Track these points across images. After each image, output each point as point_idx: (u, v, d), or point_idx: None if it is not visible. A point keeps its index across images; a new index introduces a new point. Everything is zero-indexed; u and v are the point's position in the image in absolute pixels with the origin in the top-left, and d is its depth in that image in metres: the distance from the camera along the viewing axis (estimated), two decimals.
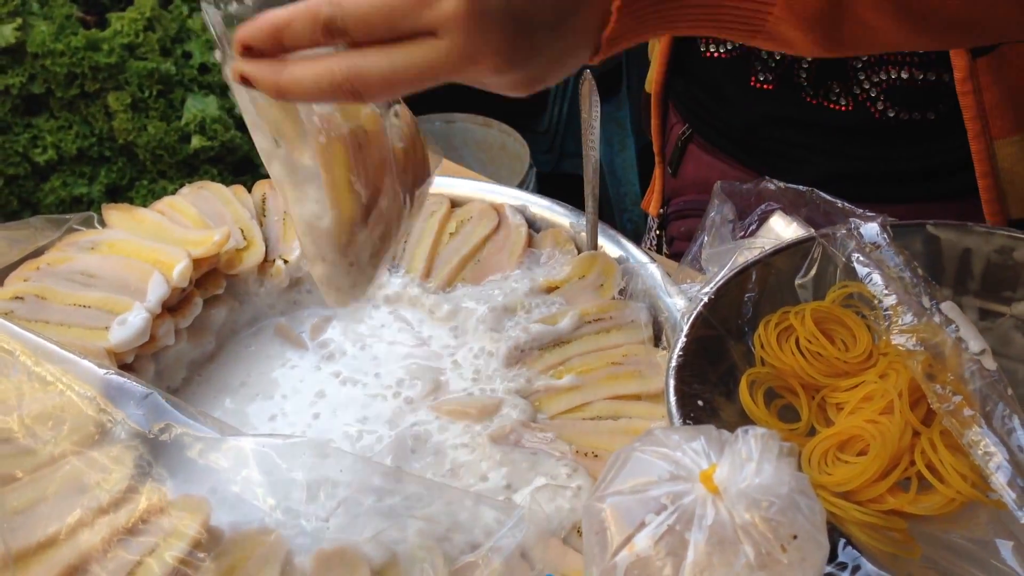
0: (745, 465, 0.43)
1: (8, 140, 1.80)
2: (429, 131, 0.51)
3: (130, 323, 0.74)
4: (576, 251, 0.88)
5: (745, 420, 0.64)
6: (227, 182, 0.94)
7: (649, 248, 1.07)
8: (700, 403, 0.63)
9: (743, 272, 0.70)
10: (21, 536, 0.57)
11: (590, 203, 0.84)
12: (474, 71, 0.45)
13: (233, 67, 0.47)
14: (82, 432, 0.59)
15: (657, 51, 0.98)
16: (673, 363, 0.65)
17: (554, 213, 0.91)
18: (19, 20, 1.75)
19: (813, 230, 0.76)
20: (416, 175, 0.58)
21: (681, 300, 0.79)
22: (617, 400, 0.75)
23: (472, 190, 0.94)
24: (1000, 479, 0.54)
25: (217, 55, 0.49)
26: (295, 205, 0.54)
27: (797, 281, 0.71)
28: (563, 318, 0.80)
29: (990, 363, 0.60)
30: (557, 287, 0.84)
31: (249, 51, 0.46)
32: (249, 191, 0.92)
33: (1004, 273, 0.70)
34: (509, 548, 0.59)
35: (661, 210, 1.05)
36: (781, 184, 0.84)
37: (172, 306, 0.78)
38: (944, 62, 0.78)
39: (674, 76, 0.98)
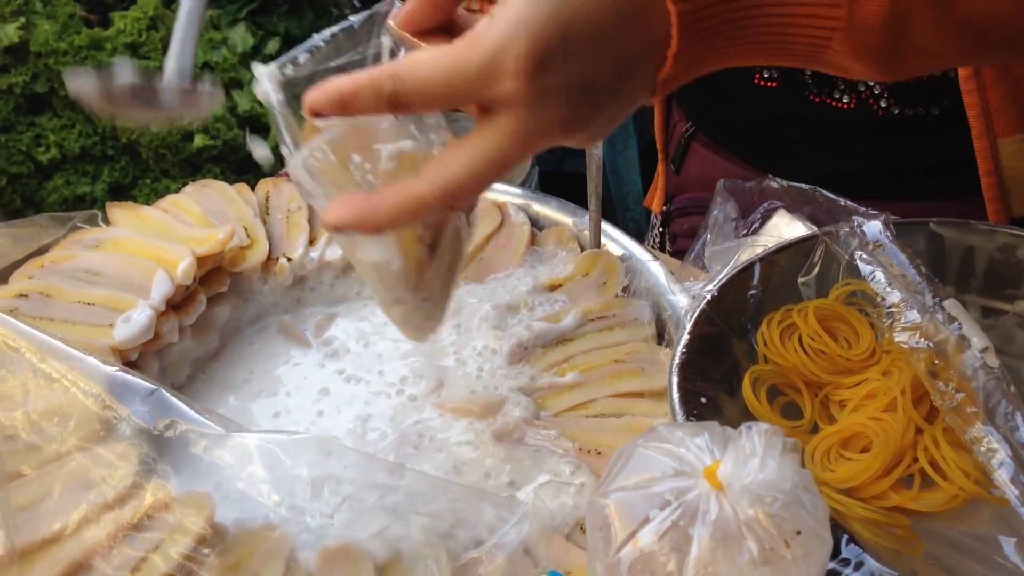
0: (749, 461, 0.43)
1: (11, 139, 1.81)
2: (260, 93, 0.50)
3: (134, 320, 0.74)
4: (579, 249, 0.88)
5: (748, 417, 0.64)
6: (230, 181, 0.94)
7: (652, 245, 1.07)
8: (703, 400, 0.63)
9: (746, 270, 0.70)
10: (26, 532, 0.57)
11: (593, 201, 0.84)
12: (543, 142, 0.47)
13: (325, 221, 0.48)
14: (87, 428, 0.59)
15: None
16: (676, 360, 0.65)
17: (557, 211, 0.91)
18: (22, 19, 1.75)
19: (816, 228, 0.76)
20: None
21: (684, 298, 0.79)
22: (620, 398, 0.75)
23: None
24: (1003, 476, 0.54)
25: (284, 151, 0.50)
26: (362, 255, 0.55)
27: (800, 279, 0.71)
28: (566, 316, 0.80)
29: (993, 360, 0.60)
30: (560, 285, 0.84)
31: (318, 115, 0.47)
32: (252, 189, 0.92)
33: (1007, 271, 0.70)
34: (513, 544, 0.59)
35: (664, 207, 1.05)
36: (784, 182, 0.84)
37: (176, 304, 0.79)
38: None
39: None
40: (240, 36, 1.93)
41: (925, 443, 0.60)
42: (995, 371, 0.59)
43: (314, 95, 0.46)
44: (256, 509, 0.59)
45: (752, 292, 0.70)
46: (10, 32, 1.74)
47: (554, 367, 0.78)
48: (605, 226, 0.87)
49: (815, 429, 0.65)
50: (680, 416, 0.61)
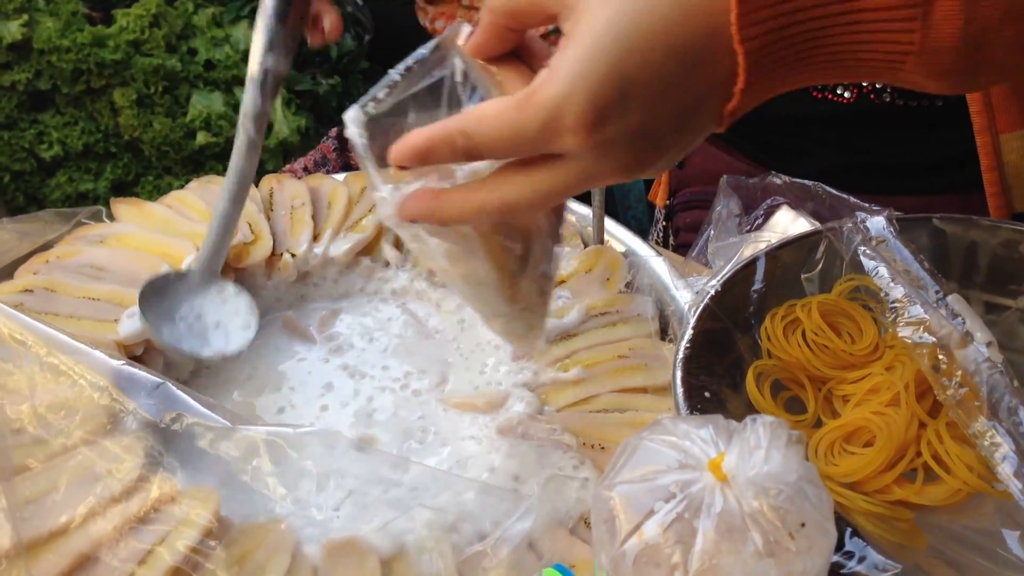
0: (754, 453, 0.43)
1: (14, 136, 1.81)
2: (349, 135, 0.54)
3: (139, 316, 0.74)
4: (582, 245, 0.88)
5: (752, 412, 0.64)
6: None
7: (656, 240, 1.08)
8: (707, 395, 0.63)
9: (750, 265, 0.70)
10: (33, 525, 0.57)
11: (596, 197, 0.84)
12: (605, 182, 0.49)
13: (401, 212, 0.51)
14: (94, 422, 0.60)
15: None
16: (680, 355, 0.65)
17: None
18: (25, 16, 1.76)
19: (819, 224, 0.76)
20: (560, 205, 0.59)
21: (687, 293, 0.79)
22: (623, 393, 0.75)
23: None
24: (1006, 469, 0.55)
25: (369, 185, 0.54)
26: (455, 275, 0.57)
27: (803, 274, 0.71)
28: (569, 312, 0.80)
29: (996, 355, 0.61)
30: (563, 281, 0.84)
31: (403, 169, 0.50)
32: (256, 186, 0.93)
33: (1010, 266, 0.70)
34: (517, 538, 0.59)
35: (668, 201, 1.06)
36: (787, 178, 0.85)
37: None
38: None
39: None
40: (243, 33, 1.94)
41: (928, 437, 0.60)
42: (998, 366, 0.59)
43: (396, 151, 0.49)
44: (262, 502, 0.59)
45: (756, 287, 0.70)
46: (13, 29, 1.74)
47: (557, 362, 0.78)
48: (608, 223, 0.87)
49: (818, 424, 0.65)
50: (684, 410, 0.62)
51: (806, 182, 0.83)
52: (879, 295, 0.65)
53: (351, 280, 0.88)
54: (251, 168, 0.73)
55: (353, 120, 0.51)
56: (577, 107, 0.44)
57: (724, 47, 0.44)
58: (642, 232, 1.03)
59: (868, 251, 0.66)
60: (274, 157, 1.91)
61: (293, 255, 0.85)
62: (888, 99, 0.84)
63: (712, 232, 0.81)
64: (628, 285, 0.83)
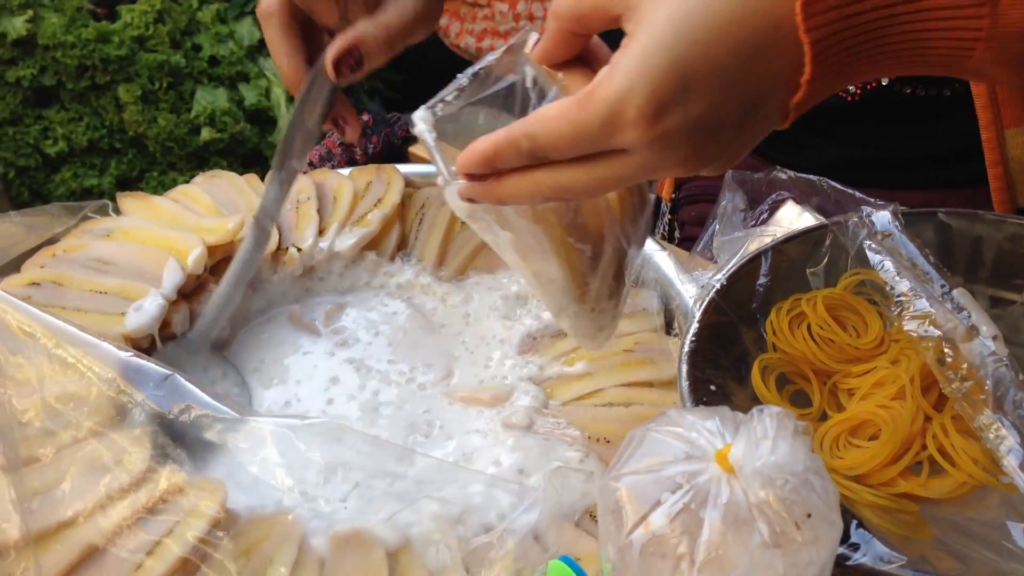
0: (760, 444, 0.43)
1: (19, 132, 1.81)
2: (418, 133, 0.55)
3: (146, 309, 0.75)
4: None
5: (757, 405, 0.64)
6: (236, 173, 0.95)
7: (661, 234, 1.08)
8: (713, 388, 0.63)
9: (755, 259, 0.70)
10: (41, 516, 0.57)
11: None
12: (665, 173, 0.49)
13: (460, 192, 0.53)
14: (102, 414, 0.60)
15: None
16: (686, 348, 0.65)
17: None
18: (30, 12, 1.76)
19: (824, 219, 0.76)
20: (635, 209, 0.59)
21: (692, 288, 0.79)
22: (629, 387, 0.75)
23: None
24: (1012, 462, 0.55)
25: (439, 181, 0.55)
26: (527, 271, 0.58)
27: (809, 269, 0.71)
28: None
29: (1002, 349, 0.61)
30: None
31: (469, 176, 0.51)
32: (262, 180, 0.93)
33: (1015, 261, 0.70)
34: (523, 530, 0.59)
35: (674, 195, 1.06)
36: (792, 173, 0.84)
37: (187, 292, 0.79)
38: None
39: None
40: (247, 30, 1.94)
41: (934, 430, 0.60)
42: (1004, 359, 0.60)
43: (463, 160, 0.50)
44: (269, 494, 0.59)
45: (761, 281, 0.70)
46: (18, 25, 1.74)
47: (563, 356, 0.78)
48: None
49: (824, 417, 0.65)
50: (689, 403, 0.62)
51: (811, 177, 0.83)
52: (884, 289, 0.65)
53: (356, 274, 0.88)
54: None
55: (422, 119, 0.53)
56: (638, 100, 0.44)
57: (788, 39, 0.44)
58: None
59: (874, 245, 0.66)
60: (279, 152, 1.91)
61: (299, 249, 0.85)
62: (895, 87, 0.84)
63: (717, 227, 0.81)
64: (634, 280, 0.84)
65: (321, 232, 0.87)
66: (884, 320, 0.68)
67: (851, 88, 0.85)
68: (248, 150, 1.92)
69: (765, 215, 0.84)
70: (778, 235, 0.72)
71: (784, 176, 0.85)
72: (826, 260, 0.71)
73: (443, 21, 2.02)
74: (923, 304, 0.62)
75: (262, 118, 1.91)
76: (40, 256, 0.80)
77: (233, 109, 1.85)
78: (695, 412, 0.47)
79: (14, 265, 0.80)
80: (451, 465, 0.67)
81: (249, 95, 1.89)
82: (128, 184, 1.88)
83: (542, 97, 0.53)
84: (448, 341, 0.82)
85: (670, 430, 0.47)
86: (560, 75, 0.52)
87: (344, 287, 0.88)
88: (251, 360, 0.82)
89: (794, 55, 0.44)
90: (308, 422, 0.59)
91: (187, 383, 0.59)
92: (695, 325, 0.67)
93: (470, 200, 0.52)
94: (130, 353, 0.61)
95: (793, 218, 0.81)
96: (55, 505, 0.58)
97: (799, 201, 0.83)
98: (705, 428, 0.46)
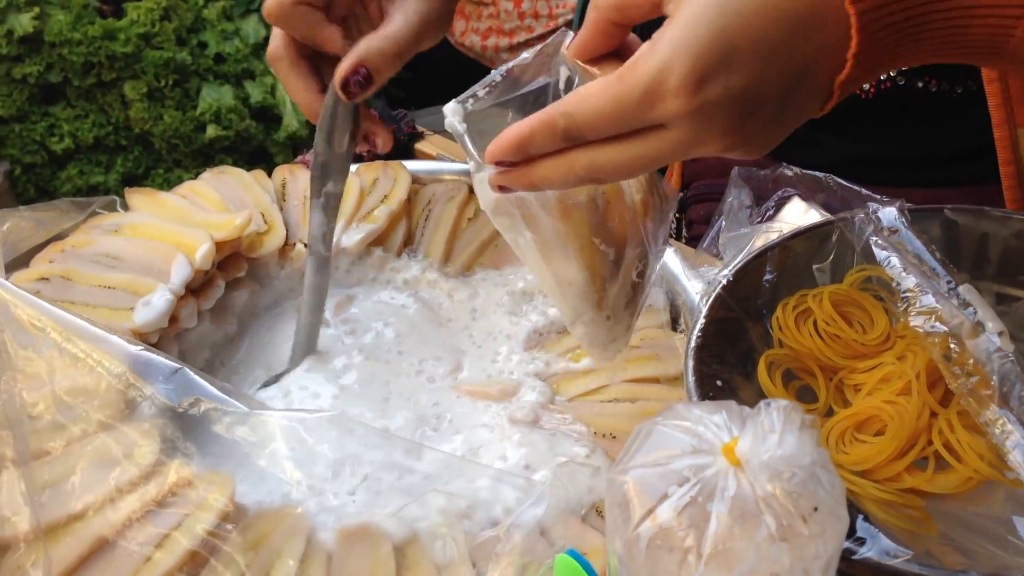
0: (767, 437, 0.43)
1: (25, 128, 1.82)
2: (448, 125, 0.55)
3: (154, 305, 0.75)
4: None
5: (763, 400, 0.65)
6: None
7: (669, 232, 1.08)
8: (719, 383, 0.63)
9: (762, 255, 0.71)
10: (51, 509, 0.58)
11: None
12: (704, 151, 0.48)
13: (490, 181, 0.52)
14: (112, 407, 0.60)
15: None
16: (692, 344, 0.65)
17: None
18: (36, 9, 1.77)
19: (830, 215, 0.76)
20: (657, 217, 0.60)
21: (698, 284, 0.79)
22: (635, 383, 0.76)
23: None
24: (1017, 457, 0.55)
25: (471, 167, 0.55)
26: (547, 273, 0.58)
27: (815, 265, 0.72)
28: None
29: (1007, 345, 0.61)
30: None
31: (500, 164, 0.51)
32: (269, 176, 0.93)
33: (1021, 258, 0.70)
34: (529, 525, 0.59)
35: (681, 193, 1.06)
36: (798, 170, 0.85)
37: (195, 288, 0.79)
38: None
39: None
40: (252, 27, 1.95)
41: (940, 426, 0.60)
42: (1009, 355, 0.60)
43: (493, 147, 0.50)
44: (278, 487, 0.60)
45: (767, 277, 0.70)
46: (24, 22, 1.75)
47: (569, 352, 0.79)
48: None
49: (830, 413, 0.65)
50: (696, 399, 0.62)
51: (817, 174, 0.83)
52: (891, 285, 0.65)
53: (363, 270, 0.88)
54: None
55: (453, 112, 0.53)
56: (681, 69, 0.44)
57: (833, 11, 0.44)
58: None
59: (880, 241, 0.66)
60: (283, 150, 1.92)
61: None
62: (910, 82, 0.84)
63: (723, 223, 0.81)
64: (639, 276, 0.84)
65: None
66: (890, 316, 0.68)
67: (865, 86, 0.85)
68: (253, 147, 1.93)
69: (771, 212, 0.84)
70: (784, 231, 0.73)
71: (790, 173, 0.85)
72: (832, 256, 0.71)
73: None
74: (929, 300, 0.62)
75: (267, 115, 1.92)
76: (49, 251, 0.80)
77: (238, 106, 1.86)
78: (702, 406, 0.47)
79: (23, 260, 0.80)
80: (458, 459, 0.67)
81: (255, 92, 1.90)
82: (134, 181, 1.89)
83: None
84: (456, 335, 0.82)
85: (677, 424, 0.47)
86: (596, 70, 0.52)
87: (351, 282, 0.88)
88: (259, 357, 0.82)
89: (838, 29, 0.44)
90: (317, 415, 0.59)
91: (196, 376, 0.59)
92: (701, 321, 0.67)
93: (501, 188, 0.52)
94: (140, 347, 0.61)
95: (799, 215, 0.81)
96: (65, 498, 0.58)
97: (805, 198, 0.83)
98: (712, 422, 0.46)
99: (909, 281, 0.64)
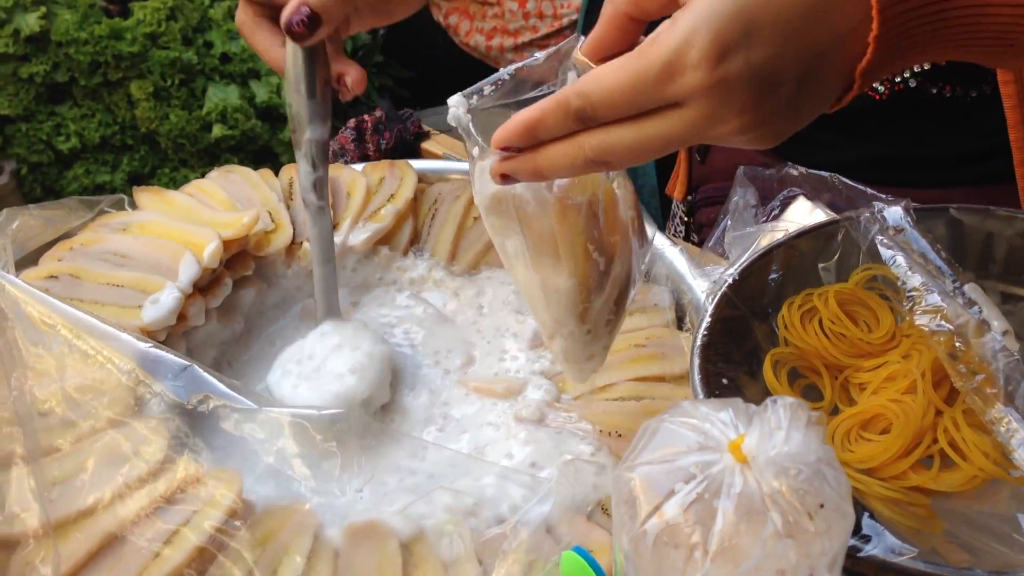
0: (774, 434, 0.44)
1: (32, 128, 1.83)
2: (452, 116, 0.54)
3: (162, 303, 0.75)
4: None
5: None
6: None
7: (673, 233, 1.08)
8: (725, 381, 0.64)
9: (767, 254, 0.71)
10: (61, 506, 0.58)
11: None
12: (719, 132, 0.47)
13: (492, 170, 0.51)
14: (121, 404, 0.60)
15: None
16: (698, 342, 0.65)
17: None
18: (43, 9, 1.77)
19: (836, 215, 0.76)
20: (640, 245, 0.60)
21: (704, 283, 0.79)
22: (640, 381, 0.76)
23: None
24: (1022, 456, 0.55)
25: (474, 152, 0.54)
26: (534, 279, 0.57)
27: (821, 264, 0.72)
28: None
29: (1013, 344, 0.61)
30: None
31: (507, 150, 0.50)
32: (276, 175, 0.93)
33: None
34: (535, 522, 0.60)
35: (689, 197, 1.06)
36: (803, 169, 0.85)
37: (203, 287, 0.80)
38: None
39: None
40: None
41: (945, 424, 0.60)
42: (1015, 354, 0.60)
43: (501, 132, 0.49)
44: (286, 484, 0.60)
45: (773, 276, 0.70)
46: (31, 22, 1.76)
47: None
48: None
49: (835, 411, 0.65)
50: (701, 397, 0.62)
51: (823, 173, 0.83)
52: (896, 284, 0.66)
53: (369, 269, 0.88)
54: (326, 230, 0.77)
55: (457, 104, 0.52)
56: (702, 40, 0.44)
57: None
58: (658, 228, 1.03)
59: (885, 240, 0.67)
60: (289, 150, 1.92)
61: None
62: (924, 87, 0.84)
63: (729, 222, 0.81)
64: (645, 275, 0.84)
65: (334, 227, 0.88)
66: (895, 315, 0.68)
67: (879, 87, 0.85)
68: (259, 147, 1.93)
69: (776, 211, 0.84)
70: (790, 230, 0.73)
71: (795, 172, 0.85)
72: (838, 255, 0.71)
73: (453, 20, 2.03)
74: (935, 299, 0.62)
75: (273, 115, 1.92)
76: (57, 249, 0.81)
77: (244, 106, 1.86)
78: (709, 403, 0.48)
79: (32, 258, 0.80)
80: (465, 457, 0.68)
81: (260, 92, 1.90)
82: (139, 180, 1.90)
83: None
84: (462, 335, 0.83)
85: (684, 421, 0.47)
86: None
87: (357, 282, 0.88)
88: (266, 355, 0.82)
89: (858, 12, 0.45)
90: (325, 412, 0.59)
91: (205, 373, 0.60)
92: (707, 319, 0.67)
93: (503, 178, 0.51)
94: (149, 344, 0.62)
95: (805, 214, 0.82)
96: (74, 494, 0.58)
97: (810, 197, 0.83)
98: (719, 419, 0.46)
99: (915, 280, 0.64)
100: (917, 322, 0.62)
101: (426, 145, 1.06)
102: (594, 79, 0.46)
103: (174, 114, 1.85)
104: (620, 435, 0.71)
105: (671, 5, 0.48)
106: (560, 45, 0.53)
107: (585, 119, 0.47)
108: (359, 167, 0.95)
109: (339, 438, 0.59)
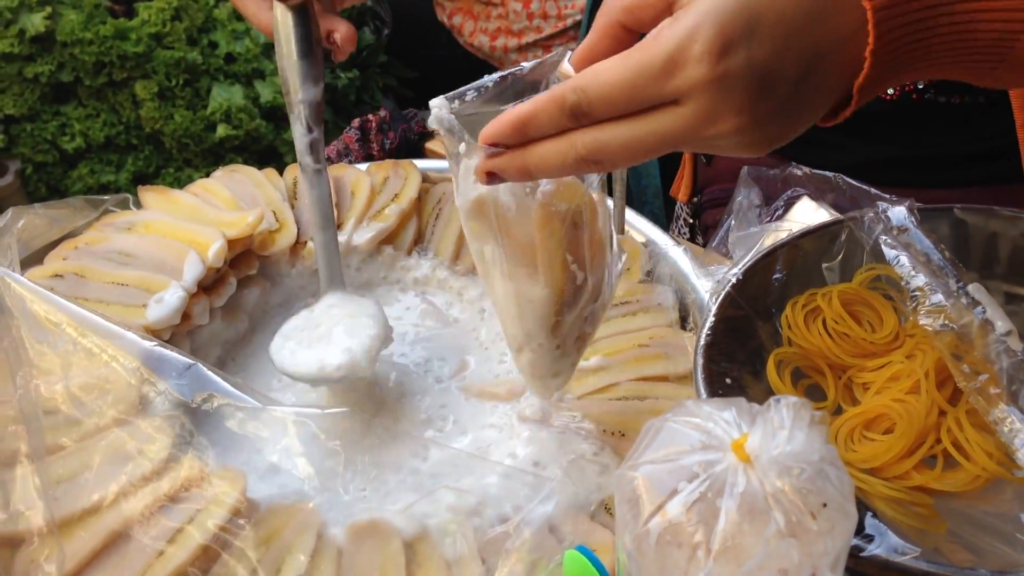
0: (777, 433, 0.44)
1: (37, 128, 1.83)
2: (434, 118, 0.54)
3: (167, 302, 0.75)
4: None
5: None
6: None
7: (677, 234, 1.08)
8: (728, 381, 0.64)
9: (771, 254, 0.71)
10: (66, 504, 0.58)
11: (618, 187, 0.85)
12: (714, 132, 0.46)
13: (478, 168, 0.50)
14: (126, 402, 0.61)
15: None
16: (702, 342, 0.65)
17: None
18: (48, 9, 1.78)
19: (840, 215, 0.76)
20: (615, 264, 0.59)
21: (707, 283, 0.79)
22: (644, 381, 0.76)
23: None
24: None
25: (461, 149, 0.53)
26: (508, 287, 0.56)
27: (824, 264, 0.72)
28: None
29: (1016, 344, 0.61)
30: None
31: (495, 146, 0.49)
32: (280, 175, 0.94)
33: None
34: (539, 521, 0.60)
35: (695, 198, 1.06)
36: (807, 169, 0.85)
37: (207, 286, 0.80)
38: None
39: None
40: None
41: (948, 424, 0.60)
42: (1018, 354, 0.60)
43: (490, 128, 0.48)
44: (290, 482, 0.60)
45: (777, 276, 0.70)
46: (36, 22, 1.76)
47: None
48: (628, 213, 0.87)
49: (839, 411, 0.66)
50: (705, 396, 0.62)
51: (826, 173, 0.83)
52: (900, 284, 0.66)
53: (373, 269, 0.89)
54: (324, 192, 0.75)
55: (440, 106, 0.51)
56: (706, 34, 0.44)
57: (851, 1, 0.45)
58: (662, 228, 1.03)
59: (889, 240, 0.67)
60: (293, 150, 1.92)
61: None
62: (928, 96, 0.84)
63: (733, 222, 0.81)
64: (648, 275, 0.84)
65: (339, 226, 0.88)
66: (899, 315, 0.68)
67: (889, 90, 0.85)
68: (263, 147, 1.93)
69: (780, 211, 0.84)
70: (794, 230, 0.73)
71: (799, 172, 0.85)
72: (842, 255, 0.71)
73: (457, 20, 2.03)
74: (938, 299, 0.63)
75: (277, 115, 1.92)
76: (62, 248, 0.81)
77: (249, 106, 1.86)
78: (712, 402, 0.48)
79: (37, 257, 0.81)
80: (467, 456, 0.68)
81: (265, 92, 1.91)
82: (144, 180, 1.90)
83: None
84: (462, 334, 0.83)
85: (687, 420, 0.47)
86: None
87: (361, 281, 0.88)
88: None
89: (854, 19, 0.45)
90: (329, 411, 0.59)
91: (209, 372, 0.60)
92: (711, 319, 0.67)
93: (489, 177, 0.50)
94: (153, 342, 0.62)
95: (808, 214, 0.82)
96: (79, 492, 0.59)
97: (814, 197, 0.83)
98: (722, 418, 0.46)
99: (918, 280, 0.64)
100: (921, 322, 0.63)
101: (430, 145, 1.06)
102: (592, 74, 0.46)
103: (179, 114, 1.85)
104: (623, 434, 0.71)
105: (665, 14, 0.48)
106: (546, 57, 0.52)
107: (580, 115, 0.46)
108: (363, 167, 0.95)
109: (343, 437, 0.59)
